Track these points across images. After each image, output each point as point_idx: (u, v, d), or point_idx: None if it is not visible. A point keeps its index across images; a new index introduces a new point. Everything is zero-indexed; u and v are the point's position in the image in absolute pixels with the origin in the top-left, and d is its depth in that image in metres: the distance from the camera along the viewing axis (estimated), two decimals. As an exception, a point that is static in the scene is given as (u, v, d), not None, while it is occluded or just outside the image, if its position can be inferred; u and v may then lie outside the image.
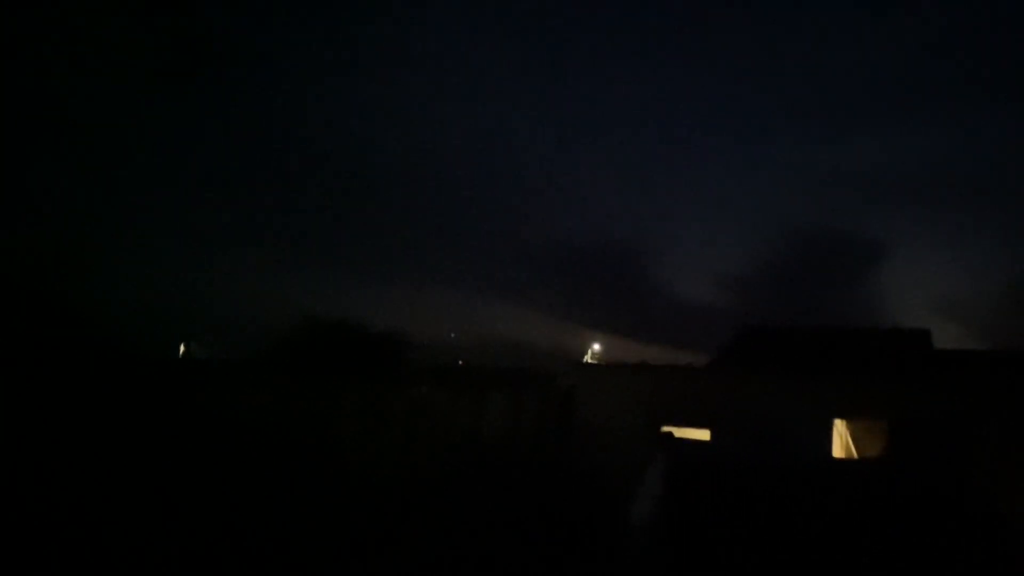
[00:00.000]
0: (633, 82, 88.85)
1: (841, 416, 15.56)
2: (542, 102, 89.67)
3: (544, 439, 15.95)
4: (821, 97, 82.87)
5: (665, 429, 16.75)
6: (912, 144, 76.24)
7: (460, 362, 24.01)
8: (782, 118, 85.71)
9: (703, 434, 15.96)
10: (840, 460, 14.69)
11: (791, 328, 21.88)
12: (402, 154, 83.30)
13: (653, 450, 7.33)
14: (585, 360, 27.59)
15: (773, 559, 5.85)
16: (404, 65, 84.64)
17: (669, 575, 6.00)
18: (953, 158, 75.27)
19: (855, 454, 15.47)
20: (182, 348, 28.32)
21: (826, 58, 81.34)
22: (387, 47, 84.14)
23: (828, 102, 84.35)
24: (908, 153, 76.96)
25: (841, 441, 15.57)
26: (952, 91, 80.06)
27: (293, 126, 75.81)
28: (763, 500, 6.35)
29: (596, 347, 30.57)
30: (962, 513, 7.52)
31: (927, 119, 79.73)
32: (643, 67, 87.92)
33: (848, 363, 17.83)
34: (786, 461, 7.51)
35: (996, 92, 78.21)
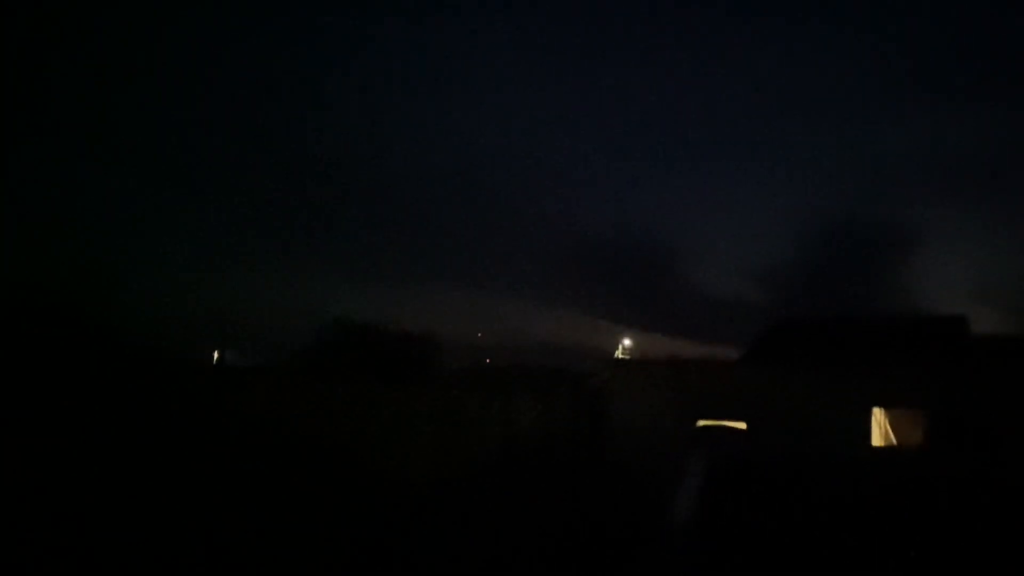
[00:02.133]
0: (659, 76, 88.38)
1: (879, 405, 15.33)
2: (567, 99, 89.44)
3: (578, 438, 15.88)
4: (852, 82, 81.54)
5: (701, 423, 16.65)
6: (946, 128, 74.84)
7: (487, 361, 24.01)
8: (812, 106, 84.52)
9: (739, 427, 15.82)
10: (880, 449, 14.50)
11: (824, 319, 21.62)
12: (427, 155, 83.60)
13: (691, 447, 7.27)
14: (616, 356, 27.49)
15: (814, 548, 5.78)
16: (423, 66, 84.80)
17: (713, 568, 5.95)
18: (990, 141, 73.67)
19: (895, 442, 15.26)
20: (216, 355, 28.65)
21: (858, 40, 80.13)
22: (402, 49, 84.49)
23: (859, 87, 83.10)
24: (942, 137, 75.49)
25: (880, 430, 15.35)
26: (988, 74, 78.56)
27: (315, 132, 76.33)
28: (802, 492, 6.28)
29: (627, 343, 30.45)
30: (1003, 495, 7.36)
31: (960, 103, 78.27)
32: (669, 60, 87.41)
33: (884, 352, 17.57)
34: (823, 453, 7.43)
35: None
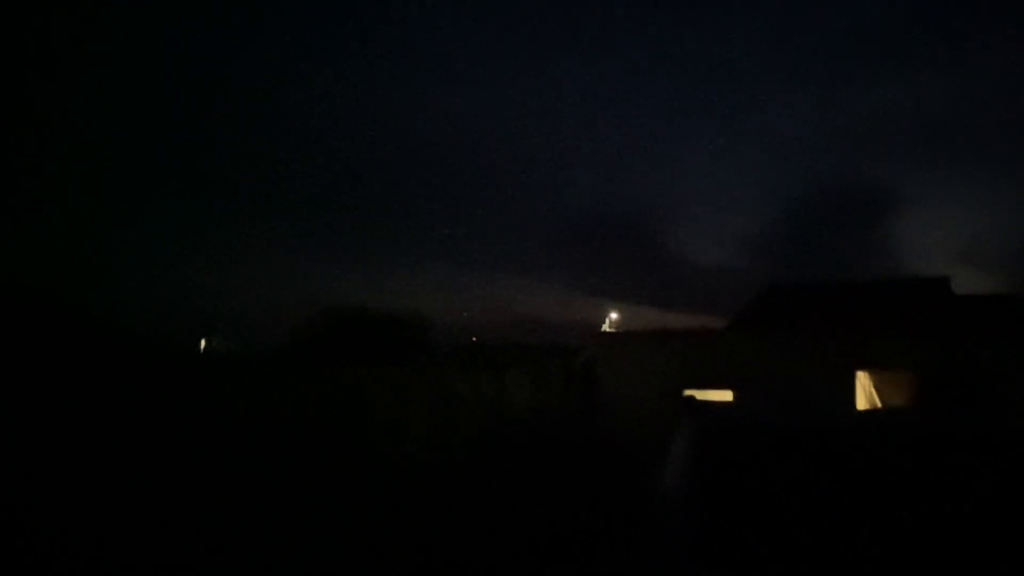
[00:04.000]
0: (640, 46, 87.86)
1: (862, 368, 15.53)
2: (546, 75, 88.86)
3: (568, 413, 16.03)
4: (835, 46, 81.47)
5: (687, 393, 16.82)
6: (927, 93, 74.92)
7: (473, 339, 24.09)
8: (795, 71, 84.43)
9: (726, 395, 16.01)
10: (865, 412, 14.70)
11: (810, 285, 21.81)
12: (410, 137, 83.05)
13: (678, 416, 7.33)
14: (603, 329, 27.61)
15: (809, 519, 5.86)
16: (409, 45, 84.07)
17: (704, 543, 6.03)
18: (971, 104, 73.91)
19: (879, 404, 15.48)
20: (203, 343, 28.64)
21: (839, 6, 79.86)
22: (384, 33, 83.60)
23: (843, 51, 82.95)
24: (925, 100, 75.62)
25: (865, 393, 15.56)
26: (973, 34, 78.50)
27: (300, 119, 75.72)
28: (790, 459, 6.36)
29: (614, 316, 30.56)
30: (993, 453, 7.45)
31: (944, 64, 78.28)
32: (647, 33, 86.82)
33: (868, 315, 17.77)
34: (807, 418, 7.44)
35: (1015, 37, 76.58)
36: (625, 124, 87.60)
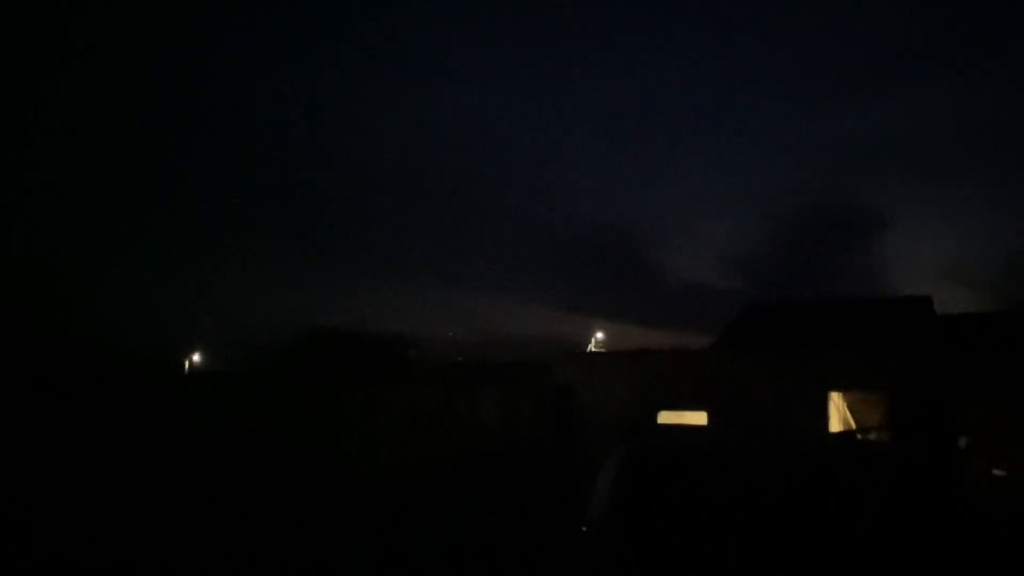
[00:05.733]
0: (623, 63, 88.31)
1: (836, 389, 15.42)
2: (530, 93, 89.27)
3: (541, 433, 15.96)
4: (816, 66, 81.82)
5: (664, 414, 16.73)
6: (911, 111, 75.14)
7: (459, 359, 24.12)
8: (777, 91, 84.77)
9: (701, 416, 15.89)
10: (837, 434, 14.59)
11: (789, 303, 21.75)
12: (391, 151, 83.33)
13: (617, 440, 7.28)
14: (589, 349, 27.54)
15: (731, 546, 5.80)
16: (391, 58, 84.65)
17: (623, 567, 5.98)
18: (955, 123, 74.13)
19: (853, 425, 15.36)
20: (187, 364, 28.66)
21: (822, 25, 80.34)
22: (372, 42, 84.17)
23: (824, 70, 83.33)
24: (907, 120, 75.88)
25: (838, 414, 15.45)
26: (954, 55, 78.91)
27: (280, 132, 75.96)
28: (721, 485, 6.30)
29: (599, 336, 30.51)
30: (943, 486, 7.40)
31: (926, 85, 78.58)
32: (632, 46, 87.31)
33: (846, 335, 17.67)
34: (776, 439, 7.42)
35: (997, 56, 76.98)
36: (611, 143, 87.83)
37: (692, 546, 5.88)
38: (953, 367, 14.57)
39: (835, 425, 15.14)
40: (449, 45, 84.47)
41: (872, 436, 14.46)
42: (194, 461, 15.09)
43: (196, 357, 29.48)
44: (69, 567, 8.57)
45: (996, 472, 13.34)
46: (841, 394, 15.60)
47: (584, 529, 6.41)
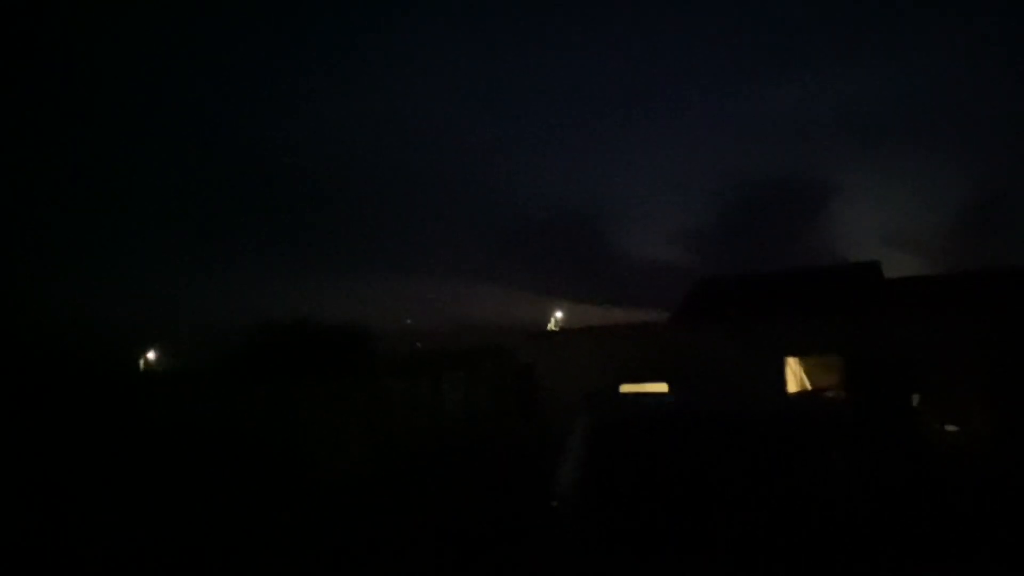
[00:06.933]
0: (574, 42, 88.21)
1: (792, 354, 15.75)
2: (484, 76, 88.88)
3: (505, 414, 15.98)
4: (756, 41, 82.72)
5: (625, 387, 16.88)
6: (851, 80, 76.60)
7: (417, 345, 23.95)
8: (719, 67, 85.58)
9: (662, 388, 16.09)
10: (782, 397, 14.89)
11: (743, 276, 22.08)
12: (345, 139, 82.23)
13: (580, 411, 7.27)
14: (548, 328, 27.62)
15: (701, 510, 5.81)
16: (347, 49, 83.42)
17: (594, 539, 5.96)
18: (896, 92, 75.82)
19: (809, 388, 15.71)
20: (142, 362, 27.97)
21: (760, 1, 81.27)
22: (320, 36, 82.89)
23: (763, 45, 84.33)
24: (848, 89, 77.32)
25: (795, 378, 15.78)
26: (893, 22, 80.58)
27: (236, 126, 74.53)
28: (687, 448, 6.33)
29: (558, 315, 30.59)
30: (895, 440, 7.58)
31: (865, 54, 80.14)
32: (583, 26, 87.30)
33: (799, 303, 18.04)
34: (717, 405, 7.47)
35: (937, 20, 78.83)
36: (563, 123, 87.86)
37: (666, 511, 5.90)
38: (902, 329, 14.97)
39: (793, 389, 15.47)
40: (406, 34, 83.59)
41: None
42: (148, 463, 14.76)
43: (151, 355, 28.77)
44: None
45: (949, 427, 13.81)
46: (797, 359, 15.94)
47: (554, 504, 6.38)
